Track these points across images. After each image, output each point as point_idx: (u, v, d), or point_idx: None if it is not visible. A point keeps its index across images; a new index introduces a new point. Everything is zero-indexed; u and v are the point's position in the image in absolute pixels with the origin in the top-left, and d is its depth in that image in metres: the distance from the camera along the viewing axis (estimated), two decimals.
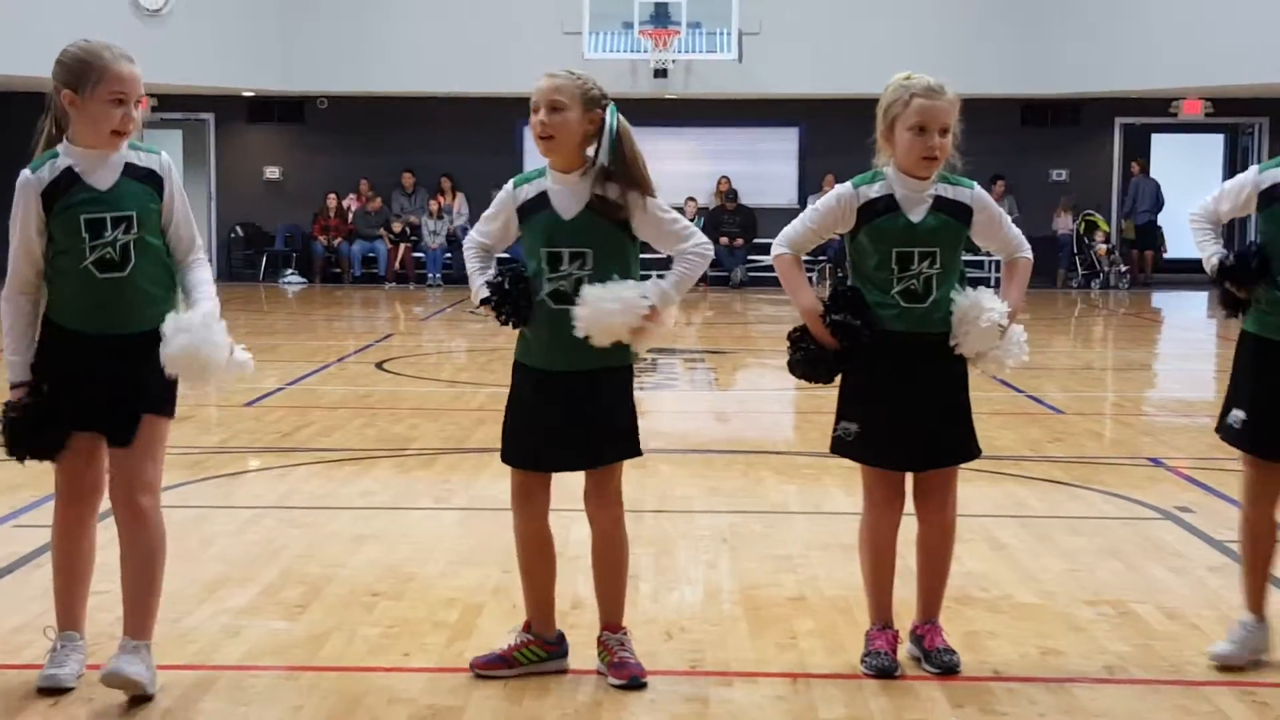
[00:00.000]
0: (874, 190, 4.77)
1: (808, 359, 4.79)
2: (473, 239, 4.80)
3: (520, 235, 4.71)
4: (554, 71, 4.61)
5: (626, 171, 4.52)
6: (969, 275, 4.90)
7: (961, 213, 4.76)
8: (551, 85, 4.56)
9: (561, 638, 4.82)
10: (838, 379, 4.85)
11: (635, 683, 4.60)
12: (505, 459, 4.75)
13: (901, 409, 4.72)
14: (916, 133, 4.69)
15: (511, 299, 4.54)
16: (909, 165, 4.73)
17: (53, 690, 4.52)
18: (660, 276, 4.63)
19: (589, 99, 4.57)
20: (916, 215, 4.72)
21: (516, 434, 4.69)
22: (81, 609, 4.71)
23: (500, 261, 4.79)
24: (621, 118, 4.58)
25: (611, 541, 4.78)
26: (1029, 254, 4.93)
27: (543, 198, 4.64)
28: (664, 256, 4.72)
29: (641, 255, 4.74)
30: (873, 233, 4.75)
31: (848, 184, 4.84)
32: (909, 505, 4.89)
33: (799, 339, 4.83)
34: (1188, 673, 4.85)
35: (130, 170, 4.48)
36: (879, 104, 4.82)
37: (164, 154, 4.56)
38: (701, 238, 4.61)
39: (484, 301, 4.61)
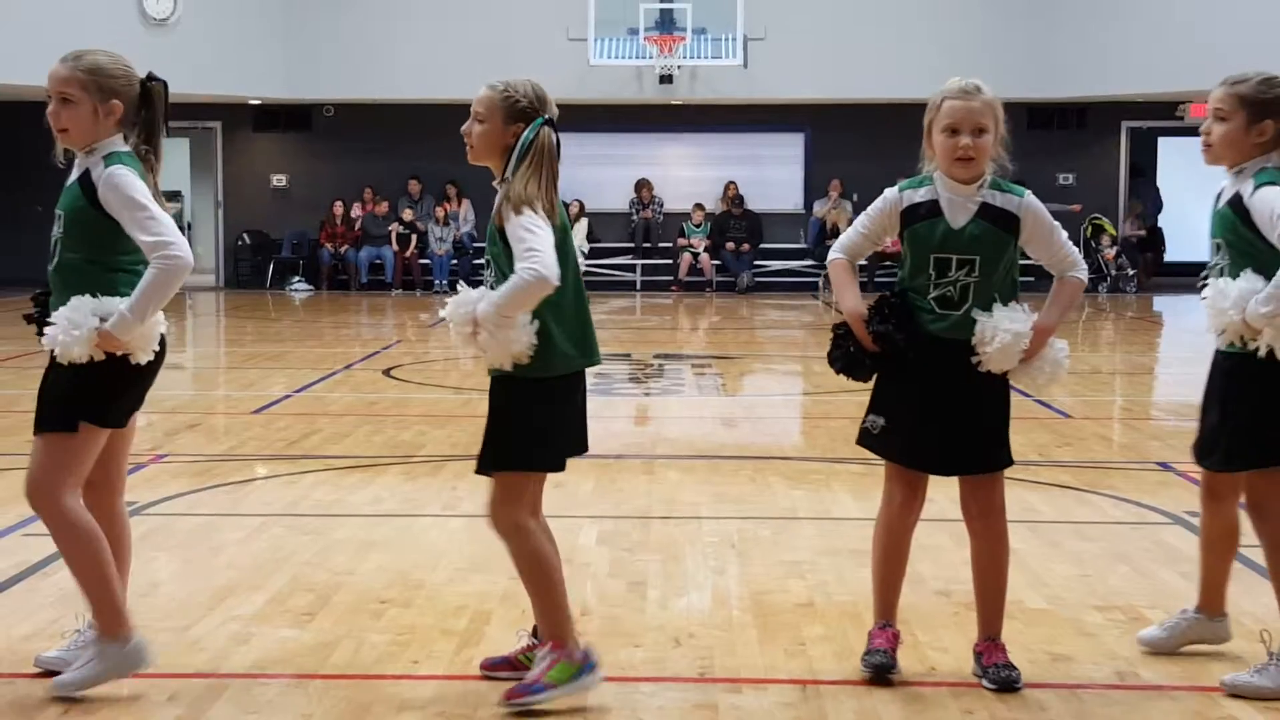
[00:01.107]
0: (919, 195, 4.75)
1: (847, 358, 4.77)
2: None
3: None
4: (492, 83, 4.57)
5: (512, 184, 4.45)
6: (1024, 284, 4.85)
7: (1008, 221, 4.70)
8: (478, 97, 4.56)
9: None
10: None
11: (506, 700, 4.48)
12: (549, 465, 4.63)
13: (928, 411, 4.70)
14: (949, 134, 4.67)
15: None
16: (946, 168, 4.71)
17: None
18: None
19: (514, 112, 4.52)
20: (959, 221, 4.68)
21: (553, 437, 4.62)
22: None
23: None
24: (543, 134, 4.49)
25: (511, 554, 4.62)
26: (1082, 274, 4.84)
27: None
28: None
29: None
30: (912, 237, 4.74)
31: (894, 188, 4.83)
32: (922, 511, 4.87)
33: (842, 336, 4.78)
34: (1199, 678, 4.84)
35: (83, 175, 4.57)
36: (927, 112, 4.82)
37: (110, 169, 4.51)
38: (533, 262, 4.27)
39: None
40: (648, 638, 5.25)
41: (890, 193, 4.83)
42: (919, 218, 4.73)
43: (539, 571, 4.56)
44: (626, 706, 4.55)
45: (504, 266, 4.41)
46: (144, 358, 4.58)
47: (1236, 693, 4.65)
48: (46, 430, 4.53)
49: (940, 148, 4.70)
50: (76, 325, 4.42)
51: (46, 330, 4.50)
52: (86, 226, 4.50)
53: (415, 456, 8.87)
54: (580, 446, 4.69)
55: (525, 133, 4.48)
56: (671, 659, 5.02)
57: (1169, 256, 26.14)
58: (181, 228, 22.68)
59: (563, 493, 7.63)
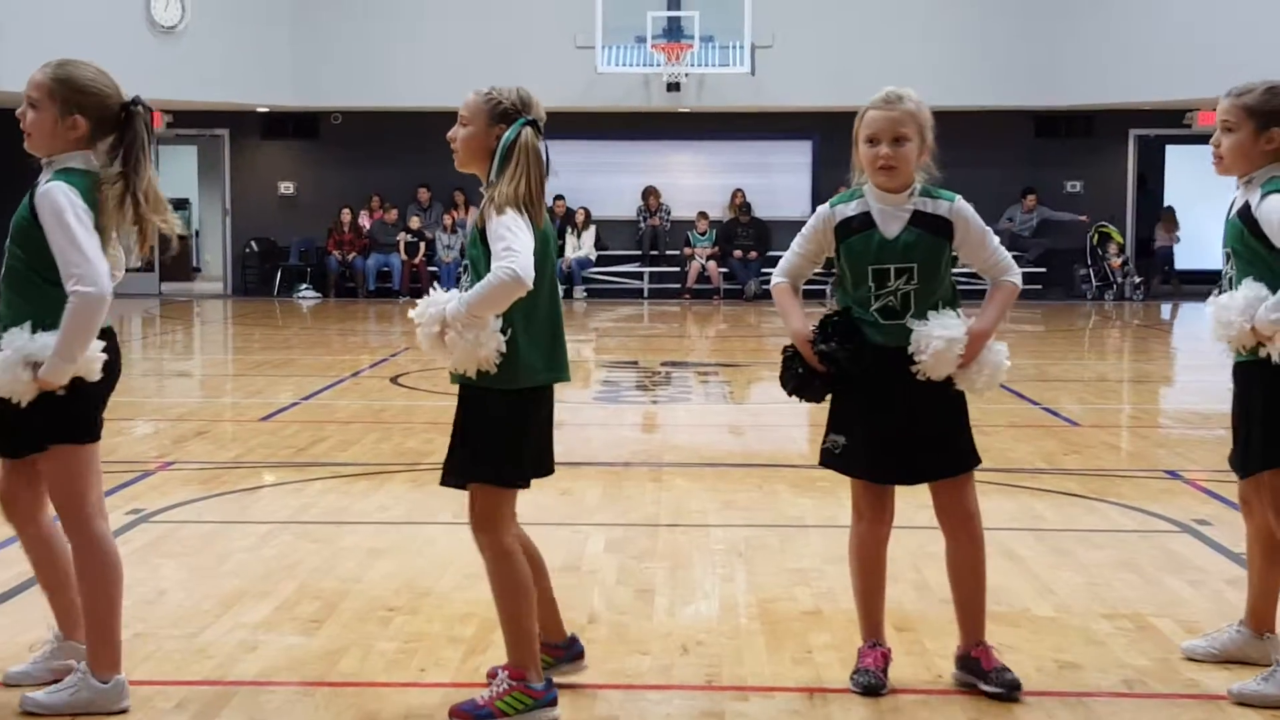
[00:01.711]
0: (850, 208, 4.77)
1: (797, 379, 4.79)
2: None
3: None
4: (478, 89, 4.57)
5: (496, 186, 4.40)
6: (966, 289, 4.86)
7: (940, 227, 4.72)
8: (464, 101, 4.55)
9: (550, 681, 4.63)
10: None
11: (450, 716, 4.45)
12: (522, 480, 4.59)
13: (887, 423, 4.70)
14: (869, 144, 4.71)
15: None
16: (870, 177, 4.74)
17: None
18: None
19: (496, 114, 4.50)
20: (892, 231, 4.70)
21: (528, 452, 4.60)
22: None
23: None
24: (525, 134, 4.43)
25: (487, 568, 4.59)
26: (1016, 279, 4.84)
27: None
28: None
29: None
30: (848, 251, 4.75)
31: (826, 204, 4.87)
32: (901, 519, 4.87)
33: (791, 358, 4.81)
34: (1207, 687, 4.83)
35: (34, 186, 4.55)
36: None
37: (51, 183, 4.47)
38: (509, 261, 4.23)
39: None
40: (655, 645, 5.25)
41: (822, 210, 4.86)
42: (852, 231, 4.75)
43: (512, 597, 4.50)
44: (634, 714, 4.55)
45: (481, 269, 4.37)
46: (94, 377, 4.49)
47: (1244, 701, 4.64)
48: (16, 457, 4.56)
49: (863, 157, 4.74)
50: (9, 373, 4.37)
51: None
52: (29, 238, 4.43)
53: (422, 464, 8.87)
54: (543, 468, 4.62)
55: (506, 133, 4.45)
56: (679, 666, 5.02)
57: (1177, 265, 26.11)
58: (188, 236, 22.46)
59: (570, 500, 7.64)
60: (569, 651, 4.81)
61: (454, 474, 4.51)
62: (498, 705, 4.42)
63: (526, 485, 4.55)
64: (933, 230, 4.71)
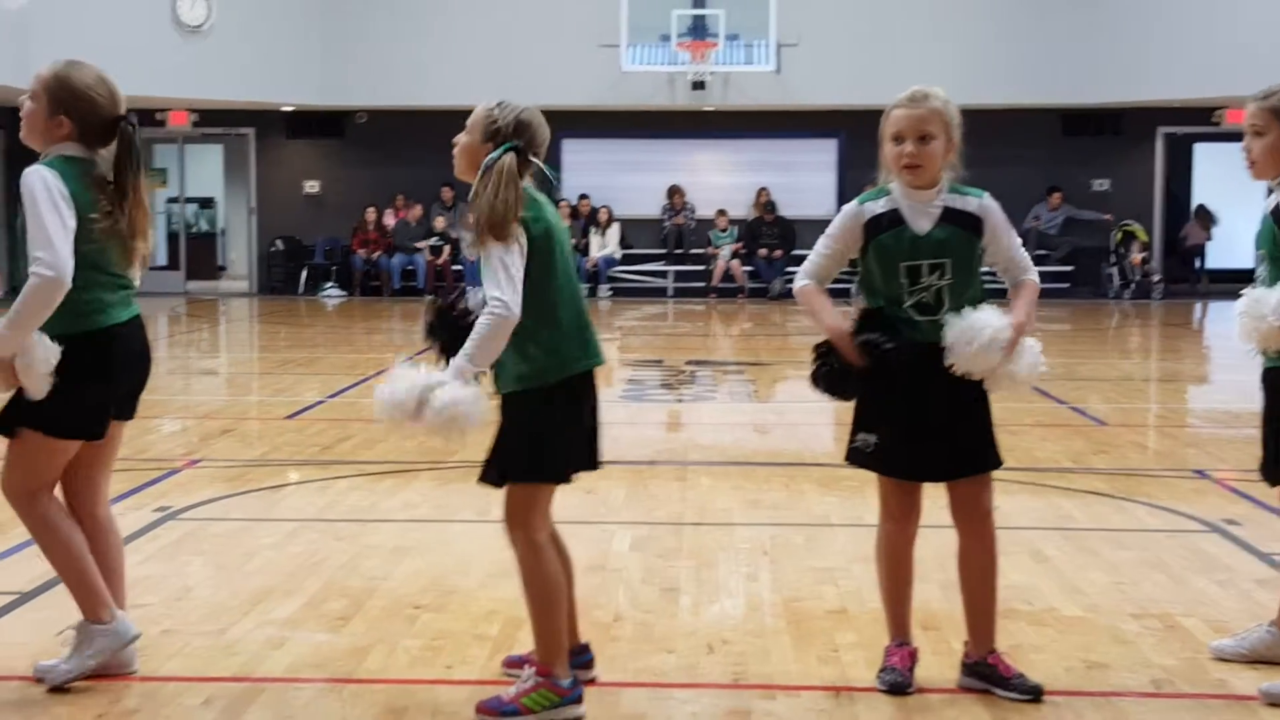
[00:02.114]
0: (879, 206, 4.75)
1: (832, 375, 4.73)
2: None
3: None
4: (489, 101, 4.59)
5: (475, 206, 4.41)
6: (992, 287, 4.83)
7: (970, 223, 4.71)
8: (475, 109, 4.59)
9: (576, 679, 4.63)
10: None
11: (477, 716, 4.45)
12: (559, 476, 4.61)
13: (919, 420, 4.67)
14: (894, 142, 4.70)
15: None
16: (897, 176, 4.72)
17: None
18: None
19: (489, 132, 4.53)
20: (924, 227, 4.69)
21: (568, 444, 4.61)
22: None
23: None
24: (504, 161, 4.40)
25: (519, 565, 4.60)
26: (1036, 277, 4.82)
27: None
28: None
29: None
30: (878, 249, 4.72)
31: (853, 202, 4.83)
32: (924, 519, 4.86)
33: (825, 354, 4.75)
34: (1236, 687, 4.80)
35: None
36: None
37: (32, 167, 4.54)
38: (497, 295, 4.30)
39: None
40: (681, 644, 5.24)
41: (850, 208, 4.82)
42: (882, 229, 4.72)
43: (543, 594, 4.52)
44: (660, 713, 4.55)
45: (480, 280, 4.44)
46: (37, 391, 4.49)
47: (1274, 701, 4.61)
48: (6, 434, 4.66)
49: (888, 156, 4.73)
50: None
51: None
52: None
53: (448, 462, 8.87)
54: (586, 461, 4.65)
55: (490, 155, 4.46)
56: (704, 665, 5.01)
57: (1208, 264, 26.02)
58: (214, 234, 22.55)
59: (595, 499, 7.63)
60: (578, 659, 4.79)
61: (491, 472, 4.52)
62: (524, 702, 4.42)
63: (564, 480, 4.58)
64: (964, 226, 4.69)
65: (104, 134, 4.65)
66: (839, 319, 4.75)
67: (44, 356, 4.47)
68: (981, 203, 4.74)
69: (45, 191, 4.44)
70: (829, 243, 4.85)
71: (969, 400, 4.71)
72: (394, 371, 4.41)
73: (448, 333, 4.51)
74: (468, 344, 4.33)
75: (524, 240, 4.40)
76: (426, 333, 4.59)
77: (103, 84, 4.67)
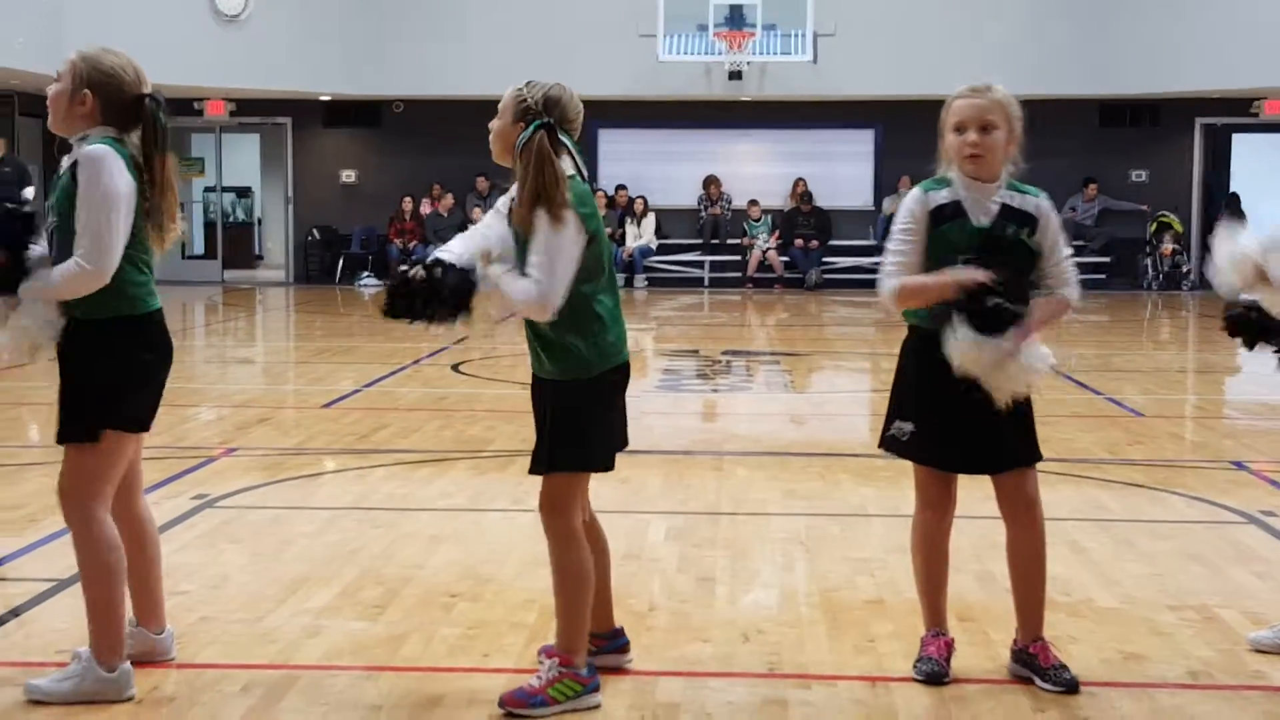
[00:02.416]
0: (941, 195, 4.70)
1: (990, 312, 4.50)
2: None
3: None
4: (518, 83, 4.59)
5: (522, 185, 4.39)
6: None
7: (1027, 222, 4.67)
8: (505, 93, 4.59)
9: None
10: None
11: (500, 704, 4.44)
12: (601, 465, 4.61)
13: (959, 410, 4.65)
14: (956, 132, 4.67)
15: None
16: (958, 166, 4.68)
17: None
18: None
19: (519, 112, 4.52)
20: (982, 221, 4.65)
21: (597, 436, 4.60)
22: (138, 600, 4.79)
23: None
24: (535, 139, 4.36)
25: (549, 553, 4.60)
26: (1074, 296, 4.73)
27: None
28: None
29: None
30: (938, 239, 4.66)
31: (916, 189, 4.77)
32: (960, 509, 4.84)
33: (967, 302, 4.52)
34: (1273, 679, 4.78)
35: (71, 165, 4.56)
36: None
37: (98, 145, 4.49)
38: (538, 277, 4.31)
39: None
40: (716, 633, 5.24)
41: (914, 196, 4.73)
42: (944, 219, 4.67)
43: (574, 583, 4.53)
44: (695, 702, 4.55)
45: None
46: (13, 352, 4.47)
47: (1261, 648, 4.60)
48: (72, 441, 4.51)
49: (950, 145, 4.69)
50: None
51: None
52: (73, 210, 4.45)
53: (484, 451, 8.90)
54: (624, 441, 4.66)
55: (522, 134, 4.44)
56: (740, 654, 5.01)
57: None
58: (251, 224, 22.59)
59: (631, 488, 7.64)
60: (612, 643, 4.82)
61: (541, 463, 4.52)
62: (550, 692, 4.44)
63: (609, 468, 4.59)
64: (1020, 224, 4.65)
65: (129, 114, 4.56)
66: (945, 276, 4.57)
67: (47, 322, 4.44)
68: (1039, 203, 4.70)
69: (112, 180, 4.40)
70: (905, 236, 4.70)
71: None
72: None
73: (404, 302, 4.40)
74: (507, 279, 4.34)
75: (583, 235, 4.38)
76: (387, 313, 4.45)
77: (130, 65, 4.64)
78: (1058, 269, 4.71)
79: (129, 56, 4.69)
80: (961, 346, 4.53)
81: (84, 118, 4.55)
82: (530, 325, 4.51)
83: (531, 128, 4.42)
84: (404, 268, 4.39)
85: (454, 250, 4.49)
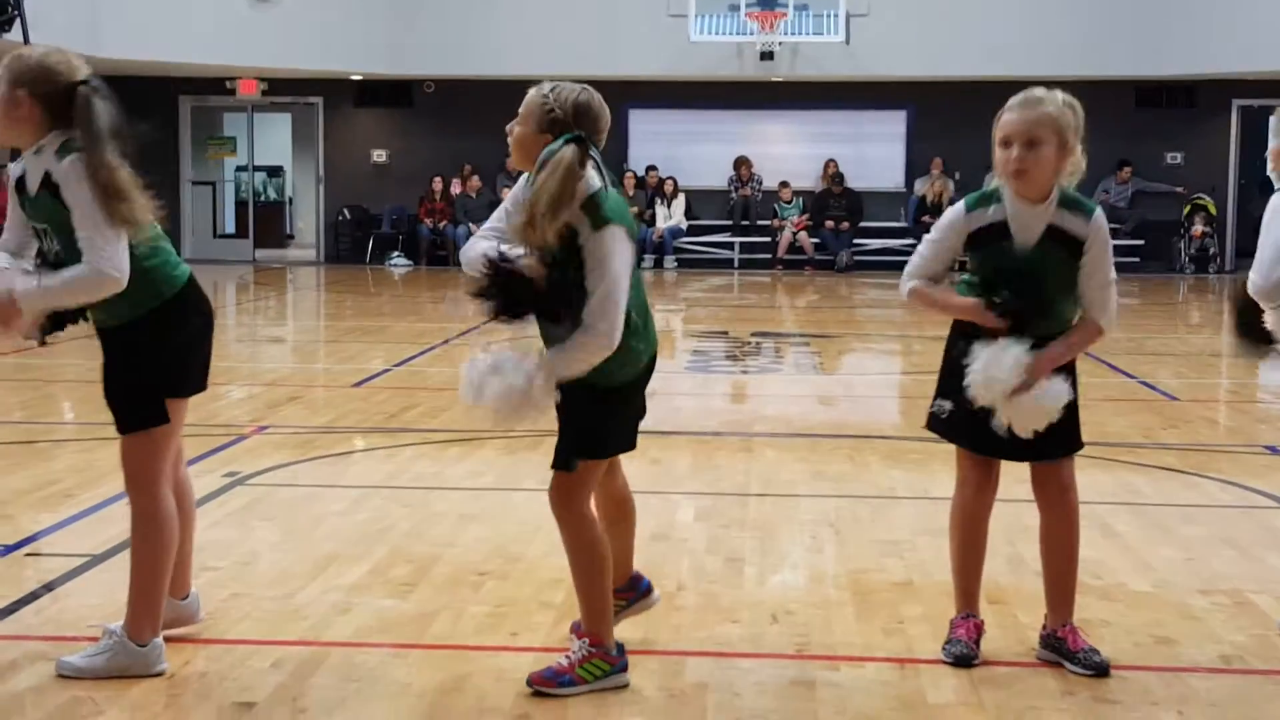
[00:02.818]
0: (989, 214, 4.59)
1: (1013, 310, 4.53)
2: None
3: None
4: (542, 85, 4.43)
5: (538, 200, 4.15)
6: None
7: (1074, 244, 4.54)
8: (527, 97, 4.42)
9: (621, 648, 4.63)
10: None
11: (529, 683, 4.42)
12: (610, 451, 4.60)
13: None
14: (1002, 146, 4.54)
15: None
16: (1005, 182, 4.58)
17: None
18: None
19: (548, 121, 4.36)
20: (1028, 241, 4.54)
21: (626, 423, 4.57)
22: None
23: None
24: (563, 153, 4.13)
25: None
26: (1108, 324, 4.62)
27: None
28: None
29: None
30: (981, 256, 4.63)
31: (960, 205, 4.67)
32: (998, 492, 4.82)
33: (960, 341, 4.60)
34: None
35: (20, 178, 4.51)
36: None
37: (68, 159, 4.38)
38: (596, 324, 4.16)
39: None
40: (745, 614, 5.24)
41: (957, 212, 4.66)
42: (986, 240, 4.59)
43: (591, 566, 4.50)
44: (724, 682, 4.55)
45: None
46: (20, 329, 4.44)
47: None
48: (139, 429, 4.50)
49: (997, 161, 4.56)
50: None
51: None
52: (64, 222, 4.33)
53: (513, 431, 8.88)
54: (643, 412, 4.61)
55: (550, 147, 4.23)
56: (769, 635, 5.01)
57: None
58: (282, 203, 22.67)
59: (660, 469, 7.64)
60: (637, 592, 4.85)
61: (562, 459, 4.49)
62: (579, 672, 4.43)
63: (627, 449, 4.58)
64: (1067, 247, 4.53)
65: (66, 108, 4.36)
66: (965, 298, 4.61)
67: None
68: (1089, 224, 4.53)
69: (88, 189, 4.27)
70: (932, 245, 4.68)
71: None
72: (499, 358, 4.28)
73: (501, 292, 4.27)
74: (566, 355, 4.23)
75: (631, 246, 4.28)
76: (478, 293, 4.29)
77: (59, 53, 4.43)
78: (1097, 293, 4.59)
79: (60, 48, 4.50)
80: (975, 379, 4.52)
81: (20, 121, 4.37)
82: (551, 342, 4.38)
83: (561, 141, 4.21)
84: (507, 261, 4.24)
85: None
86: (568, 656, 4.48)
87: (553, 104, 4.38)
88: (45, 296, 4.35)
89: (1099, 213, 4.58)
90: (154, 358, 4.48)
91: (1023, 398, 4.50)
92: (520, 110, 4.45)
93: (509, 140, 4.49)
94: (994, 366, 4.49)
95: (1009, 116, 4.55)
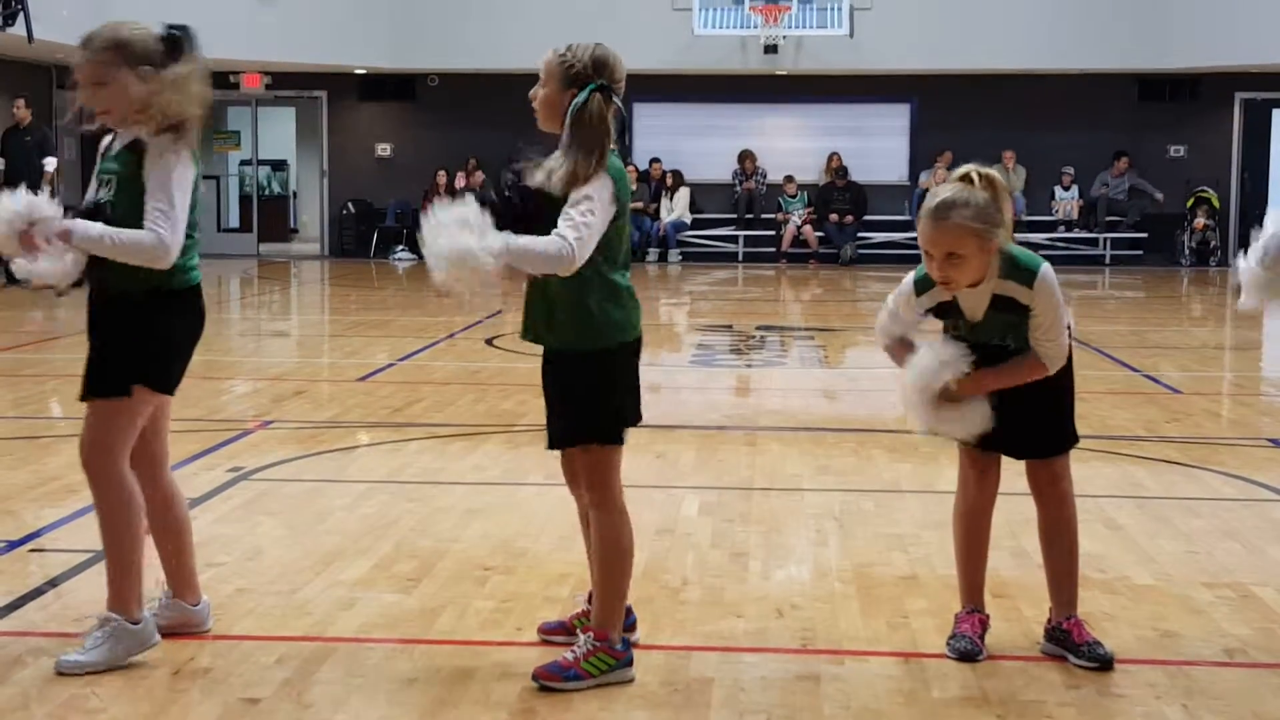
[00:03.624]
0: (933, 296, 4.62)
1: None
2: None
3: None
4: (556, 47, 4.52)
5: (570, 162, 4.35)
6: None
7: (1021, 309, 4.54)
8: (542, 61, 4.52)
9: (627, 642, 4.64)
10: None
11: (534, 678, 4.42)
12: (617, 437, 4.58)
13: (998, 393, 4.62)
14: (925, 255, 4.54)
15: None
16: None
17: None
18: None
19: (569, 77, 4.44)
20: (977, 313, 4.60)
21: (627, 407, 4.58)
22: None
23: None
24: (593, 100, 4.35)
25: (594, 532, 4.57)
26: (1051, 364, 4.57)
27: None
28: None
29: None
30: (942, 321, 4.72)
31: (909, 285, 4.70)
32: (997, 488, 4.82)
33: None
34: None
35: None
36: None
37: None
38: (566, 232, 4.25)
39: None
40: (750, 608, 5.24)
41: (908, 290, 4.69)
42: (939, 313, 4.68)
43: (622, 560, 4.54)
44: (729, 677, 4.55)
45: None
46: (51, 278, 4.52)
47: None
48: (100, 397, 4.55)
49: (926, 264, 4.58)
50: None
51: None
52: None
53: (518, 425, 8.90)
54: (638, 415, 4.61)
55: (576, 99, 4.40)
56: (773, 630, 5.01)
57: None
58: (286, 197, 22.76)
59: (665, 463, 7.64)
60: (625, 620, 4.84)
61: (584, 435, 4.48)
62: (584, 666, 4.44)
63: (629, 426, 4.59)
64: (1014, 312, 4.55)
65: None
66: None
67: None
68: (1033, 290, 4.50)
69: (184, 168, 4.50)
70: (891, 313, 4.77)
71: (1040, 389, 4.63)
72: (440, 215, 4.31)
73: (506, 207, 4.45)
74: (520, 241, 4.26)
75: (615, 205, 4.37)
76: (481, 200, 4.41)
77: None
78: (1044, 345, 4.55)
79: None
80: (909, 372, 4.59)
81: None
82: (558, 297, 4.45)
83: (587, 91, 4.38)
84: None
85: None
86: (574, 651, 4.48)
87: (571, 60, 4.47)
88: (99, 242, 4.42)
89: (1042, 272, 4.51)
90: (143, 337, 4.53)
91: (944, 408, 4.56)
92: (541, 74, 4.52)
93: (534, 105, 4.53)
94: (929, 361, 4.54)
95: (923, 227, 4.50)
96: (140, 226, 4.42)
